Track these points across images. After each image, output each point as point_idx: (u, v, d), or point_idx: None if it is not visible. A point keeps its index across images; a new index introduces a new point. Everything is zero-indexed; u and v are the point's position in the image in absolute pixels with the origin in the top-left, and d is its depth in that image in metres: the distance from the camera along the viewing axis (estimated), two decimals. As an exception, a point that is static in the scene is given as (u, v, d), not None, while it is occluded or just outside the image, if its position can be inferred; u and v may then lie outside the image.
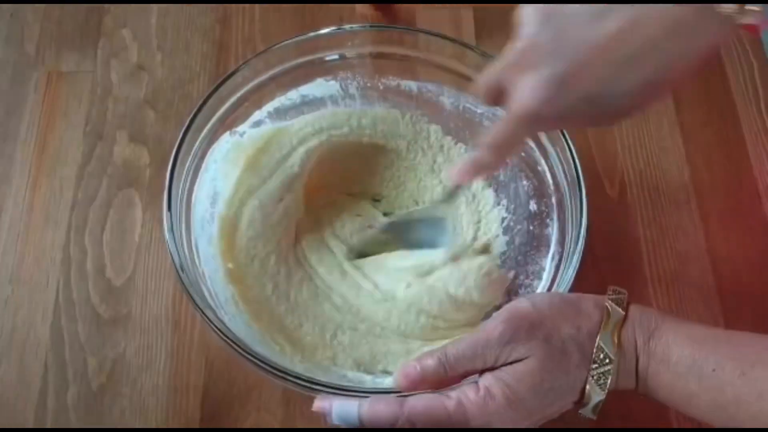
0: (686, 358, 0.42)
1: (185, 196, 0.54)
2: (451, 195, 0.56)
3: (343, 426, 0.44)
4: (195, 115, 0.54)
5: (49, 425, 0.56)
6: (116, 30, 0.72)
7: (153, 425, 0.56)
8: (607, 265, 0.63)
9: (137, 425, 0.56)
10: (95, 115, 0.68)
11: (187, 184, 0.54)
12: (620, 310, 0.44)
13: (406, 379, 0.43)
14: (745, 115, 0.70)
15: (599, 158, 0.68)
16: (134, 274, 0.61)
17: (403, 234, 0.60)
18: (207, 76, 0.70)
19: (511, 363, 0.42)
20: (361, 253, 0.60)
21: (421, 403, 0.42)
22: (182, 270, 0.49)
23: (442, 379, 0.43)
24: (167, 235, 0.50)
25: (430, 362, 0.43)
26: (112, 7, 0.73)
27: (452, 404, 0.42)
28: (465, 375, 0.44)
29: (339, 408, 0.44)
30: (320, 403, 0.44)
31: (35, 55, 0.71)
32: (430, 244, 0.59)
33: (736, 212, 0.66)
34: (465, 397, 0.42)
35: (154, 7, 0.74)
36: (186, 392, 0.57)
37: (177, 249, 0.49)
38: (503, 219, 0.61)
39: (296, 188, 0.60)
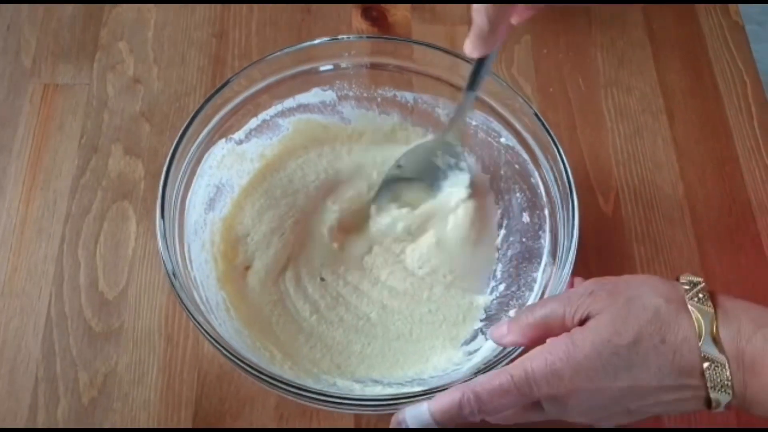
0: None
1: (179, 202, 0.54)
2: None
3: (422, 427, 0.45)
4: (190, 123, 0.54)
5: (38, 439, 0.55)
6: (113, 43, 0.73)
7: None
8: (601, 281, 0.63)
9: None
10: (90, 128, 0.68)
11: (181, 190, 0.54)
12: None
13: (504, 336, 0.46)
14: (738, 133, 0.70)
15: (594, 174, 0.68)
16: (127, 288, 0.61)
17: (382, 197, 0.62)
18: (203, 90, 0.70)
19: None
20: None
21: (484, 377, 0.43)
22: (174, 276, 0.49)
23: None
24: (160, 241, 0.49)
25: (523, 318, 0.45)
26: (109, 20, 0.74)
27: (516, 371, 0.42)
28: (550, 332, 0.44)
29: (411, 414, 0.45)
30: (396, 418, 0.46)
31: (31, 67, 0.71)
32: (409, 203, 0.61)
33: (729, 230, 0.66)
34: (528, 360, 0.42)
35: (151, 20, 0.74)
36: (178, 407, 0.56)
37: (170, 255, 0.49)
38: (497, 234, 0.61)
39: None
